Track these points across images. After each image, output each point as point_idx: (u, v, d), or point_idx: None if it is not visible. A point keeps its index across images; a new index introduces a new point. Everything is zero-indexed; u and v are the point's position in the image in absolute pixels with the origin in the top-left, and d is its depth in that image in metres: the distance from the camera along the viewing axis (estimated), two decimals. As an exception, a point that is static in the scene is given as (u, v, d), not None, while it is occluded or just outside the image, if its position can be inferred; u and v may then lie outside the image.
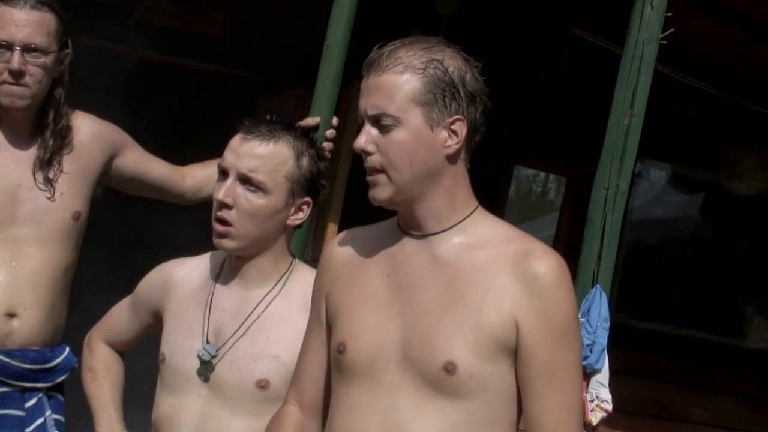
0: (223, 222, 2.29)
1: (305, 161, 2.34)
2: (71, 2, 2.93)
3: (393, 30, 3.25)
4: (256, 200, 2.29)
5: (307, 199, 2.36)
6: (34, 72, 2.77)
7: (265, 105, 4.88)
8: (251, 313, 2.34)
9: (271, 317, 2.34)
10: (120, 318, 2.60)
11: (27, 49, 2.75)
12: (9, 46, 2.74)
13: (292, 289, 2.37)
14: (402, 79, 1.85)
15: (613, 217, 3.06)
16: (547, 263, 1.86)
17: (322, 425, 2.06)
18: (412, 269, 1.91)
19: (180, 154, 3.15)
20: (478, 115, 1.88)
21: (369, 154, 1.86)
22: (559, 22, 5.07)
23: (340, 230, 3.70)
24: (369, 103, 1.86)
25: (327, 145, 2.82)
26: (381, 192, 1.86)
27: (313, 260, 2.90)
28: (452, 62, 1.86)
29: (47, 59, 2.79)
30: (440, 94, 1.84)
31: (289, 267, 2.40)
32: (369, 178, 1.88)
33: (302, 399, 2.09)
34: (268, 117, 2.40)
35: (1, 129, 2.85)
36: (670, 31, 3.11)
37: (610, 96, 3.12)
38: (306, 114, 2.90)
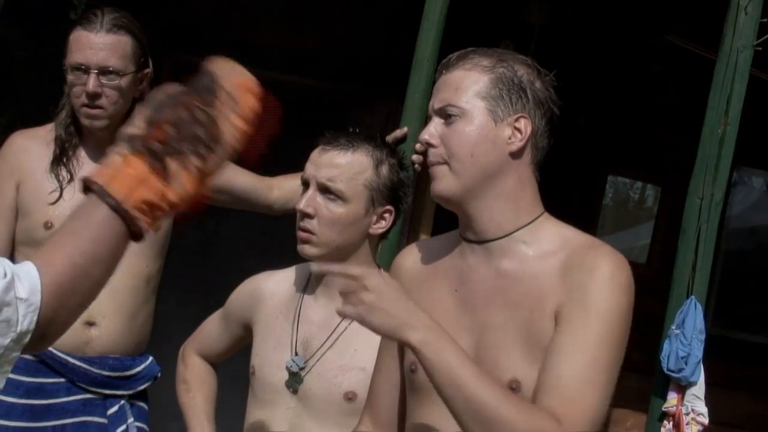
0: (306, 231, 2.32)
1: (385, 170, 2.35)
2: (171, 22, 3.01)
3: (483, 41, 3.24)
4: (336, 209, 2.31)
5: (389, 207, 2.37)
6: (110, 93, 2.81)
7: (357, 118, 4.90)
8: (338, 325, 2.35)
9: (358, 329, 2.24)
10: (212, 330, 2.63)
11: (103, 71, 2.80)
12: (85, 69, 2.79)
13: None
14: (470, 75, 1.85)
15: (708, 227, 3.00)
16: (603, 262, 1.78)
17: None
18: (476, 282, 1.88)
19: (276, 167, 3.18)
20: (544, 120, 1.86)
21: (432, 146, 1.86)
22: (653, 31, 5.00)
23: None
24: (437, 98, 1.87)
25: (417, 158, 2.83)
26: (441, 185, 1.84)
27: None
28: (522, 67, 1.86)
29: (123, 81, 2.83)
30: (506, 91, 1.83)
31: None
32: (430, 170, 1.86)
33: (377, 417, 2.09)
34: (350, 129, 2.41)
35: (85, 146, 2.91)
36: (765, 37, 3.05)
37: (706, 104, 3.06)
38: (396, 127, 2.91)
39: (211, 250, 6.09)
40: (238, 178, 3.07)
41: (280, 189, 3.12)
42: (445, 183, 1.84)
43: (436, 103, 1.87)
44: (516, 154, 1.84)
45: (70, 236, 1.43)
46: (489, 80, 1.84)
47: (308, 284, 2.44)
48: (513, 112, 1.83)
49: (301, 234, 2.33)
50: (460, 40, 2.98)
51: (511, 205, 1.84)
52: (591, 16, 5.01)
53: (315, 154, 2.35)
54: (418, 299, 1.89)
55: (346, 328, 2.33)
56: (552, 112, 1.88)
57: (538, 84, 1.87)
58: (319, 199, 2.31)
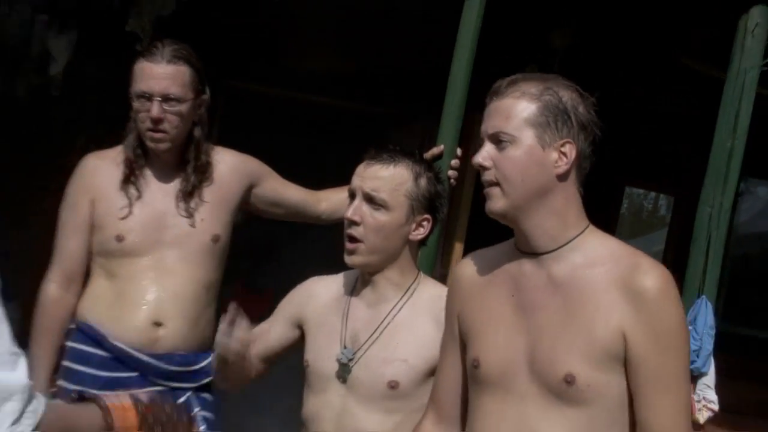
0: (352, 238, 2.34)
1: (423, 182, 2.37)
2: (224, 51, 3.04)
3: (510, 65, 3.22)
4: (380, 217, 2.33)
5: (427, 216, 2.38)
6: (172, 119, 2.83)
7: (394, 137, 4.91)
8: (382, 321, 2.38)
9: (400, 325, 2.37)
10: (263, 332, 2.62)
11: (165, 98, 2.81)
12: (149, 97, 2.81)
13: (418, 299, 2.40)
14: (519, 103, 1.87)
15: (717, 234, 3.01)
16: (652, 277, 1.83)
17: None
18: (531, 289, 1.91)
19: (319, 182, 3.20)
20: (587, 143, 1.88)
21: (486, 169, 1.88)
22: (667, 51, 4.99)
23: (465, 249, 3.73)
24: (489, 124, 1.89)
25: (452, 173, 2.87)
26: (495, 204, 1.87)
27: (441, 276, 2.90)
28: (566, 93, 1.87)
29: (182, 107, 2.85)
30: (552, 119, 1.84)
31: (415, 279, 2.43)
32: (485, 191, 1.89)
33: (441, 410, 2.12)
34: (391, 146, 2.43)
35: (150, 166, 2.93)
36: (772, 58, 3.06)
37: (716, 119, 3.06)
38: (432, 144, 2.90)
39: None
40: (291, 193, 3.11)
41: (328, 201, 3.14)
42: (498, 203, 1.88)
43: (488, 129, 1.89)
44: (562, 176, 1.86)
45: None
46: (537, 108, 1.85)
47: (355, 287, 2.46)
48: (559, 138, 1.85)
49: (348, 244, 2.36)
50: (490, 63, 3.01)
51: (559, 221, 1.87)
52: (609, 38, 5.00)
53: (361, 168, 2.37)
54: (477, 305, 1.97)
55: (389, 324, 2.36)
56: (595, 134, 1.90)
57: (581, 108, 1.89)
58: (365, 208, 2.34)
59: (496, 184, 1.89)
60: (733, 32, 3.12)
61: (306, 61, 5.22)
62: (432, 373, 2.28)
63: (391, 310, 2.39)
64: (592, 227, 1.91)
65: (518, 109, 1.87)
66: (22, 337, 1.84)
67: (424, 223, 2.39)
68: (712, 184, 3.02)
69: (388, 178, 2.35)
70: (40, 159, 4.20)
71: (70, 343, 2.94)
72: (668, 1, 4.39)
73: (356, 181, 2.37)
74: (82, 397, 1.88)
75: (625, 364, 1.85)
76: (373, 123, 5.06)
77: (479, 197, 3.59)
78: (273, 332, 2.58)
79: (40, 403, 1.56)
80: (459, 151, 2.97)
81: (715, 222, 3.00)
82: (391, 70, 5.13)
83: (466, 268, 2.07)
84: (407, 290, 2.41)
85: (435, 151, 2.86)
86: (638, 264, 1.85)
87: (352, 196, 2.38)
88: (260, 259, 6.46)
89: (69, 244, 2.91)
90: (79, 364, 2.90)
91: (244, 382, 2.53)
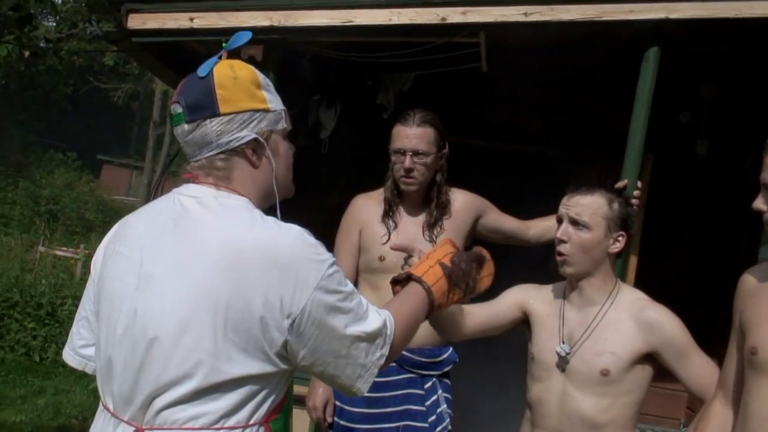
0: (562, 254, 2.39)
1: (616, 206, 2.38)
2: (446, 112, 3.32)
3: (664, 114, 3.26)
4: (584, 235, 2.35)
5: (621, 232, 2.39)
6: (420, 168, 2.92)
7: (575, 174, 4.61)
8: (592, 321, 2.37)
9: (607, 323, 2.36)
10: (490, 304, 2.60)
11: (415, 153, 2.90)
12: (403, 152, 2.91)
13: (620, 302, 2.38)
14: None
15: None
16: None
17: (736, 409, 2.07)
18: None
19: (516, 214, 3.28)
20: None
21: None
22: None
23: (639, 262, 3.74)
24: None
25: (635, 201, 2.90)
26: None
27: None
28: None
29: (428, 159, 2.92)
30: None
31: (615, 285, 2.42)
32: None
33: (727, 394, 2.10)
34: (587, 180, 2.48)
35: (403, 204, 3.03)
36: None
37: None
38: (611, 180, 2.83)
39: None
40: (507, 223, 3.18)
41: (536, 228, 3.18)
42: None
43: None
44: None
45: (404, 304, 1.77)
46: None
47: (565, 293, 2.48)
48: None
49: (558, 258, 2.40)
50: (652, 111, 3.09)
51: None
52: (756, 89, 4.70)
53: (565, 199, 2.41)
54: (756, 303, 1.96)
55: (598, 323, 2.37)
56: None
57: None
58: (571, 230, 2.37)
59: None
60: None
61: (501, 118, 5.14)
62: (635, 362, 2.31)
63: (599, 311, 2.37)
64: None
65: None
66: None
67: (620, 238, 2.39)
68: None
69: (588, 205, 2.36)
70: (309, 200, 4.18)
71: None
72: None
73: (562, 209, 2.40)
74: (404, 279, 1.89)
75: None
76: (556, 165, 4.91)
77: (650, 219, 3.67)
78: (500, 303, 2.56)
79: (390, 323, 1.65)
80: (639, 183, 3.04)
81: None
82: (572, 122, 5.01)
83: (749, 276, 2.03)
84: (610, 295, 2.39)
85: (620, 184, 2.85)
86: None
87: (560, 221, 2.41)
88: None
89: (343, 264, 2.96)
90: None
91: (456, 331, 2.48)
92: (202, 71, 1.60)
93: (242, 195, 1.61)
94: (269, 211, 1.62)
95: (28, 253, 13.02)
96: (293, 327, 1.50)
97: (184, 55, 4.04)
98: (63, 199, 20.53)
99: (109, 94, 22.99)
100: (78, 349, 1.79)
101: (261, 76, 1.65)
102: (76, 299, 8.91)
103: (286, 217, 1.60)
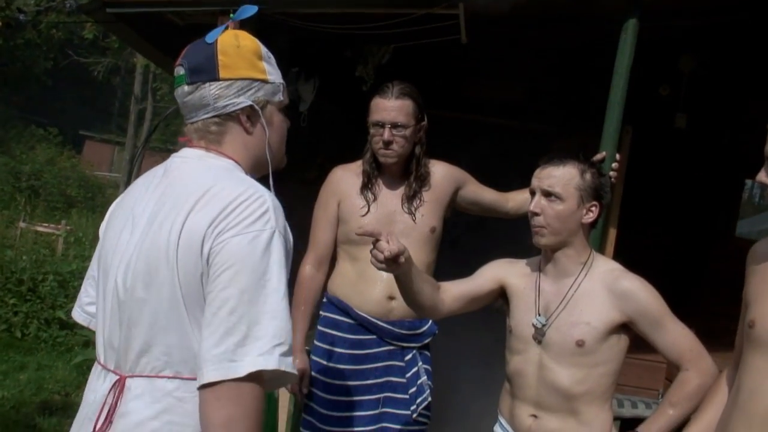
0: (538, 226, 2.38)
1: (588, 176, 2.37)
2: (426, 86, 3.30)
3: (642, 86, 3.19)
4: (557, 206, 2.35)
5: (594, 202, 2.38)
6: (398, 140, 2.93)
7: (555, 148, 4.82)
8: (567, 292, 2.37)
9: (581, 294, 2.35)
10: (464, 280, 2.58)
11: (394, 125, 2.91)
12: (382, 125, 2.92)
13: (594, 273, 2.37)
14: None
15: None
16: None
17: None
18: None
19: (494, 187, 3.26)
20: None
21: None
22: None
23: (618, 235, 3.68)
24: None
25: (613, 174, 2.92)
26: None
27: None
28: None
29: (407, 132, 2.93)
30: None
31: (589, 256, 2.41)
32: None
33: (736, 364, 2.02)
34: (558, 152, 2.44)
35: (382, 176, 3.04)
36: None
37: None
38: (588, 153, 2.71)
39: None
40: (486, 195, 3.19)
41: (514, 201, 3.21)
42: None
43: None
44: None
45: None
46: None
47: (540, 266, 2.48)
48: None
49: (534, 229, 2.40)
50: (631, 84, 3.06)
51: None
52: (731, 63, 4.79)
53: (538, 171, 2.41)
54: (759, 276, 1.92)
55: (573, 294, 2.37)
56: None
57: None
58: (543, 201, 2.37)
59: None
60: None
61: (480, 92, 5.13)
62: (611, 332, 2.30)
63: (574, 282, 2.37)
64: None
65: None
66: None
67: (593, 208, 2.39)
68: None
69: (560, 176, 2.35)
70: (288, 173, 4.46)
71: (323, 312, 3.08)
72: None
73: (535, 181, 2.40)
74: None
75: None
76: (537, 138, 4.87)
77: (629, 192, 3.69)
78: (477, 279, 2.55)
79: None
80: (618, 156, 3.01)
81: None
82: (552, 96, 4.98)
83: (756, 248, 1.99)
84: (584, 266, 2.39)
85: (598, 156, 2.86)
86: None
87: (533, 193, 2.41)
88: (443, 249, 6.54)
89: (321, 235, 3.03)
90: (331, 329, 3.05)
91: (434, 308, 2.46)
92: (209, 38, 1.65)
93: (230, 158, 1.65)
94: (262, 181, 1.64)
95: (8, 229, 12.91)
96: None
97: (163, 28, 3.97)
98: (44, 175, 20.32)
99: (89, 68, 22.71)
100: (84, 306, 1.85)
101: (264, 49, 1.70)
102: (58, 275, 8.85)
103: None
